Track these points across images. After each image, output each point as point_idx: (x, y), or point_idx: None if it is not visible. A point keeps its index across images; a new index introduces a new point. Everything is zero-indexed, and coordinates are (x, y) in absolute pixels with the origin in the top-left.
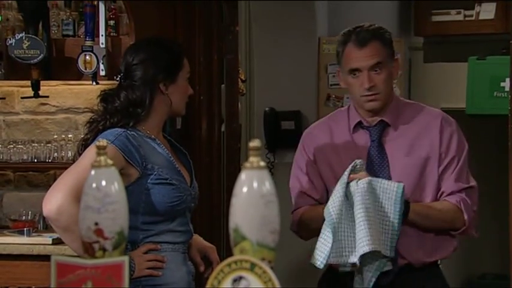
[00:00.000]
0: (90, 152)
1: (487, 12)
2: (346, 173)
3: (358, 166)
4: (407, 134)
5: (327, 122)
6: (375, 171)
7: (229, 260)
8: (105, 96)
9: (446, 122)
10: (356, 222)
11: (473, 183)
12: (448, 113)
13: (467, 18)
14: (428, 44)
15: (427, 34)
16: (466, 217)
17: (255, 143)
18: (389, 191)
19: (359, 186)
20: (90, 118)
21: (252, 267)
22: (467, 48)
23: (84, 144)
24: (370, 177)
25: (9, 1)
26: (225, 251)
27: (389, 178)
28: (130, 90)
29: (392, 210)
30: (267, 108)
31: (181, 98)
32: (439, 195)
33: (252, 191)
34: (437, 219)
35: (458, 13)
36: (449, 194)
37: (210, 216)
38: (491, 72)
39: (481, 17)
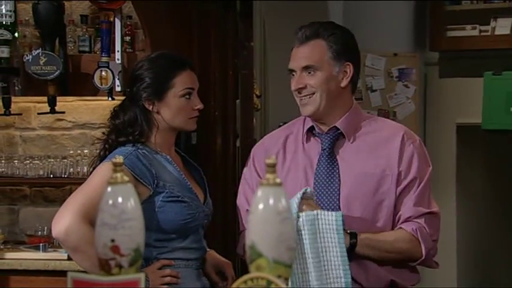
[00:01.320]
0: (98, 171)
1: (503, 27)
2: (296, 203)
3: (308, 194)
4: (363, 147)
5: (281, 131)
6: (323, 185)
7: (246, 277)
8: (111, 115)
9: (409, 138)
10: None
11: (435, 208)
12: (463, 128)
13: (482, 34)
14: (443, 59)
15: (442, 49)
16: (423, 247)
17: (271, 160)
18: (329, 221)
19: (302, 221)
20: (96, 139)
21: (269, 284)
22: (483, 64)
23: (93, 164)
24: (310, 211)
25: (27, 18)
26: (240, 268)
27: (338, 194)
28: (124, 109)
29: (336, 241)
30: (281, 123)
31: (175, 115)
32: (396, 219)
33: (268, 208)
34: (390, 251)
35: (474, 28)
36: (406, 220)
37: (225, 232)
38: (507, 87)
39: (496, 32)
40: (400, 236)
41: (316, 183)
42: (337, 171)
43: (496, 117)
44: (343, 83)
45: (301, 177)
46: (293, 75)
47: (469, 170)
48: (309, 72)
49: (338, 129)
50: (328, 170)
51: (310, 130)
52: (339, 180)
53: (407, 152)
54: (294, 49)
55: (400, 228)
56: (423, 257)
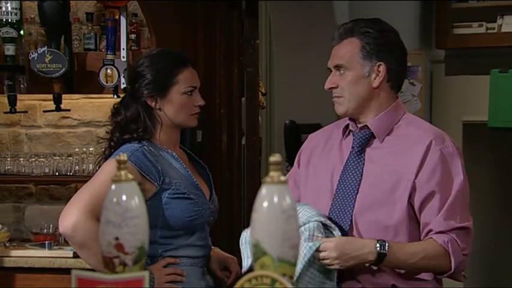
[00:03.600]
0: (105, 167)
1: (510, 25)
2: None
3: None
4: (391, 149)
5: (332, 126)
6: (345, 183)
7: (250, 275)
8: (112, 112)
9: (438, 144)
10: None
11: (467, 223)
12: (470, 126)
13: (489, 31)
14: (449, 57)
15: (448, 47)
16: (452, 261)
17: (275, 158)
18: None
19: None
20: (100, 138)
21: (273, 282)
22: (489, 61)
23: (98, 162)
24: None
25: (32, 16)
26: None
27: (357, 192)
28: (125, 105)
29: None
30: (287, 121)
31: (177, 112)
32: (425, 232)
33: (272, 206)
34: (418, 266)
35: (480, 26)
36: (437, 233)
37: (230, 229)
38: None
39: (503, 30)
40: (431, 250)
41: (341, 180)
42: (361, 170)
43: (503, 115)
44: (375, 83)
45: (329, 172)
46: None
47: (475, 168)
48: (340, 72)
49: (370, 128)
50: (353, 169)
51: (348, 126)
52: (360, 179)
53: (431, 159)
54: (333, 48)
55: (431, 238)
56: (451, 271)
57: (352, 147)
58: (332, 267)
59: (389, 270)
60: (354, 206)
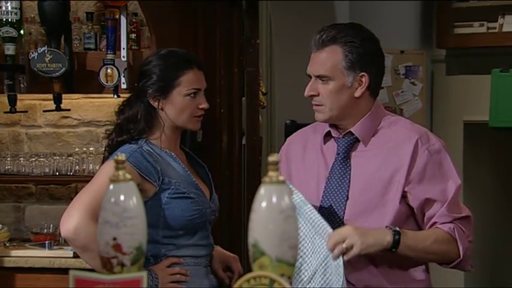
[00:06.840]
0: (105, 169)
1: (511, 24)
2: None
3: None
4: (377, 152)
5: (307, 130)
6: (333, 189)
7: (248, 275)
8: (118, 109)
9: (424, 144)
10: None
11: (467, 212)
12: (471, 126)
13: (490, 31)
14: (450, 57)
15: (449, 46)
16: (460, 247)
17: (274, 158)
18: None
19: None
20: (105, 132)
21: (271, 283)
22: (490, 61)
23: (101, 163)
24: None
25: (32, 15)
26: (246, 265)
27: (346, 200)
28: (129, 104)
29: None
30: (288, 121)
31: (179, 113)
32: (429, 224)
33: (271, 206)
34: (428, 252)
35: (481, 25)
36: (442, 224)
37: (231, 229)
38: None
39: (504, 29)
40: (440, 237)
41: (327, 186)
42: (349, 176)
43: (504, 114)
44: (357, 93)
45: (314, 179)
46: (309, 79)
47: (476, 167)
48: (322, 80)
49: (354, 133)
50: (340, 175)
51: (329, 133)
52: (349, 185)
53: (420, 159)
54: (312, 53)
55: (437, 228)
56: (460, 257)
57: (338, 154)
58: (352, 253)
59: (382, 271)
60: (344, 212)
